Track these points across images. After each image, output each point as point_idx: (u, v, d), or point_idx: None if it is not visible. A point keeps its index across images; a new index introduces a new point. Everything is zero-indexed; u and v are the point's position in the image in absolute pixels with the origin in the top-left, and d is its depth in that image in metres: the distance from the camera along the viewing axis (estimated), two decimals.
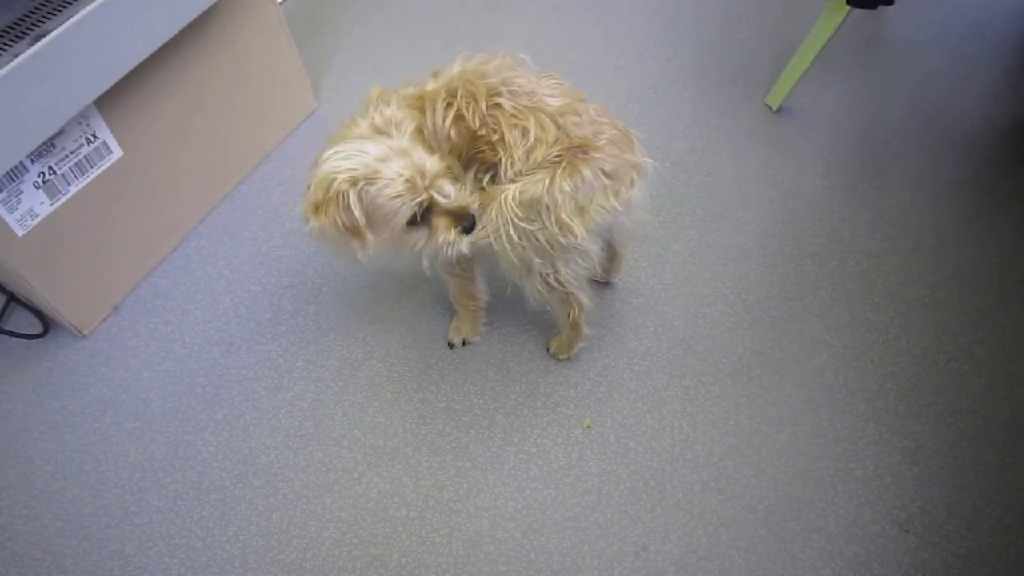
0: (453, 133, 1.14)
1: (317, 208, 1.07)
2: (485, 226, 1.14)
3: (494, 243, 1.16)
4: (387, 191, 1.05)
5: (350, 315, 1.58)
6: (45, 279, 1.44)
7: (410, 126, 1.11)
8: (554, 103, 1.14)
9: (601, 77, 1.98)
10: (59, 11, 1.22)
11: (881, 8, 1.62)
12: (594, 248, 1.20)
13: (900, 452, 1.37)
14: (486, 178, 1.18)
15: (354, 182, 1.04)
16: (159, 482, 1.39)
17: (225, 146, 1.72)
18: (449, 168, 1.15)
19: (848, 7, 1.59)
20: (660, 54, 2.03)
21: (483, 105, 1.12)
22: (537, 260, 1.18)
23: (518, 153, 1.12)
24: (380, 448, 1.41)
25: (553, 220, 1.12)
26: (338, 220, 1.05)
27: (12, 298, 1.58)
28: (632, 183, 1.19)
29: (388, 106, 1.12)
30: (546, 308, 1.37)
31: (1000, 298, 1.54)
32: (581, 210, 1.13)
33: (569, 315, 1.35)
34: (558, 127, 1.12)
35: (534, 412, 1.44)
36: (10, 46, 1.17)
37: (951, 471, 1.34)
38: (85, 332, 1.56)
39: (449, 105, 1.13)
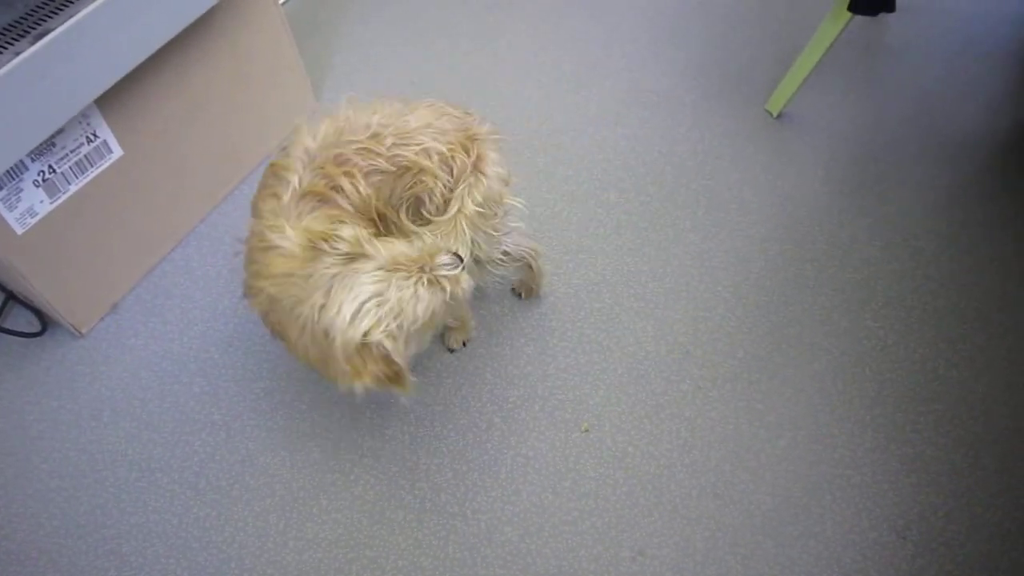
0: (372, 192, 1.11)
1: (357, 373, 0.99)
2: (463, 245, 1.16)
3: (474, 254, 1.21)
4: (420, 310, 0.99)
5: None
6: (44, 278, 1.44)
7: (359, 230, 1.01)
8: (418, 118, 1.15)
9: (603, 81, 1.98)
10: (61, 10, 1.22)
11: (882, 15, 1.62)
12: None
13: (898, 458, 1.37)
14: (423, 210, 1.18)
15: (393, 335, 0.97)
16: (156, 482, 1.38)
17: (226, 146, 1.72)
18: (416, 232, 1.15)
19: (850, 14, 1.59)
20: (662, 56, 2.03)
21: (383, 149, 1.10)
22: (495, 252, 1.26)
23: (437, 172, 1.14)
24: (377, 450, 1.41)
25: (500, 206, 1.21)
26: (384, 375, 1.00)
27: (11, 296, 1.58)
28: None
29: (286, 228, 1.02)
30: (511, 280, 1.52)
31: (1000, 305, 1.54)
32: (506, 185, 1.22)
33: (531, 266, 1.44)
34: (444, 132, 1.15)
35: (532, 416, 1.44)
36: (11, 44, 1.17)
37: (949, 477, 1.34)
38: (84, 331, 1.56)
39: (348, 173, 1.08)
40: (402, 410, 1.45)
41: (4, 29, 1.19)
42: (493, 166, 1.18)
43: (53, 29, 1.19)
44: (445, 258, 1.03)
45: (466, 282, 1.07)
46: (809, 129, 1.86)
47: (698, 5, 2.17)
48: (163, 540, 1.32)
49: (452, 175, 1.15)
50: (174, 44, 1.41)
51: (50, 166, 1.35)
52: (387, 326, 0.96)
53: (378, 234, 1.10)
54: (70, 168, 1.38)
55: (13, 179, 1.30)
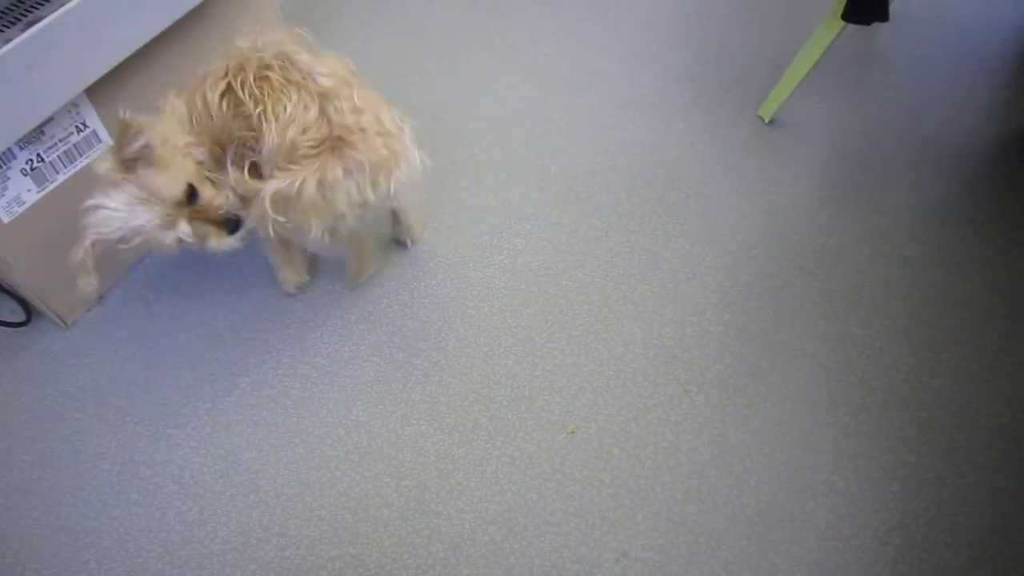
0: (224, 107, 1.13)
1: None
2: (249, 218, 1.19)
3: (260, 231, 1.22)
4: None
5: (338, 312, 1.58)
6: (30, 267, 1.43)
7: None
8: (324, 83, 1.12)
9: (598, 83, 1.98)
10: None
11: (876, 24, 1.63)
12: (353, 223, 1.23)
13: (881, 466, 1.37)
14: (247, 163, 1.18)
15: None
16: (139, 475, 1.38)
17: None
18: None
19: (843, 22, 1.60)
20: (657, 60, 2.04)
21: (251, 77, 1.10)
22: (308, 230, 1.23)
23: (274, 129, 1.10)
24: (363, 447, 1.40)
25: (298, 215, 1.16)
26: None
27: None
28: (392, 174, 1.19)
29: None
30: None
31: (986, 316, 1.55)
32: (328, 206, 1.16)
33: (358, 252, 1.46)
34: (321, 111, 1.11)
35: (518, 416, 1.44)
36: (2, 31, 1.16)
37: (932, 485, 1.35)
38: (69, 322, 1.55)
39: (223, 78, 1.12)
40: (389, 408, 1.45)
41: None
42: (311, 192, 1.14)
43: (44, 17, 1.18)
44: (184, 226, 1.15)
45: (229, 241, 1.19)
46: (801, 136, 1.87)
47: (696, 9, 2.17)
48: (145, 534, 1.31)
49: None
50: (166, 35, 1.41)
51: (38, 155, 1.34)
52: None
53: None
54: (58, 157, 1.38)
55: (1, 167, 1.29)
